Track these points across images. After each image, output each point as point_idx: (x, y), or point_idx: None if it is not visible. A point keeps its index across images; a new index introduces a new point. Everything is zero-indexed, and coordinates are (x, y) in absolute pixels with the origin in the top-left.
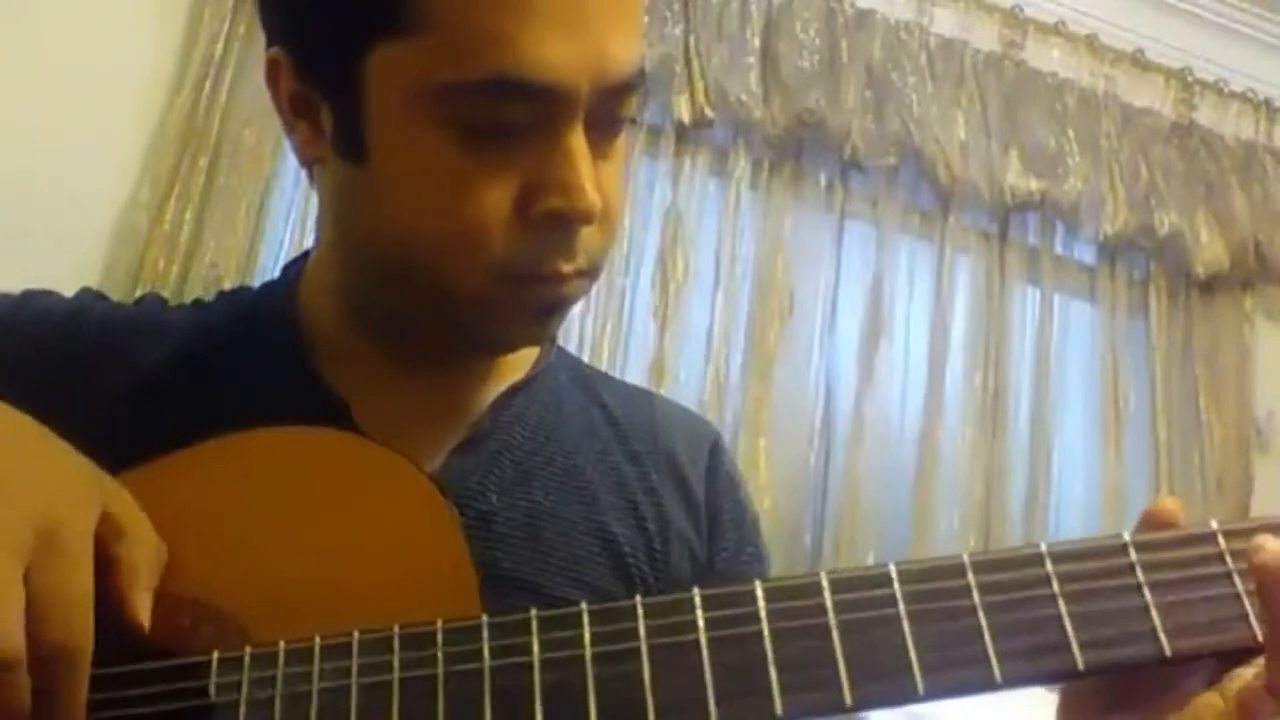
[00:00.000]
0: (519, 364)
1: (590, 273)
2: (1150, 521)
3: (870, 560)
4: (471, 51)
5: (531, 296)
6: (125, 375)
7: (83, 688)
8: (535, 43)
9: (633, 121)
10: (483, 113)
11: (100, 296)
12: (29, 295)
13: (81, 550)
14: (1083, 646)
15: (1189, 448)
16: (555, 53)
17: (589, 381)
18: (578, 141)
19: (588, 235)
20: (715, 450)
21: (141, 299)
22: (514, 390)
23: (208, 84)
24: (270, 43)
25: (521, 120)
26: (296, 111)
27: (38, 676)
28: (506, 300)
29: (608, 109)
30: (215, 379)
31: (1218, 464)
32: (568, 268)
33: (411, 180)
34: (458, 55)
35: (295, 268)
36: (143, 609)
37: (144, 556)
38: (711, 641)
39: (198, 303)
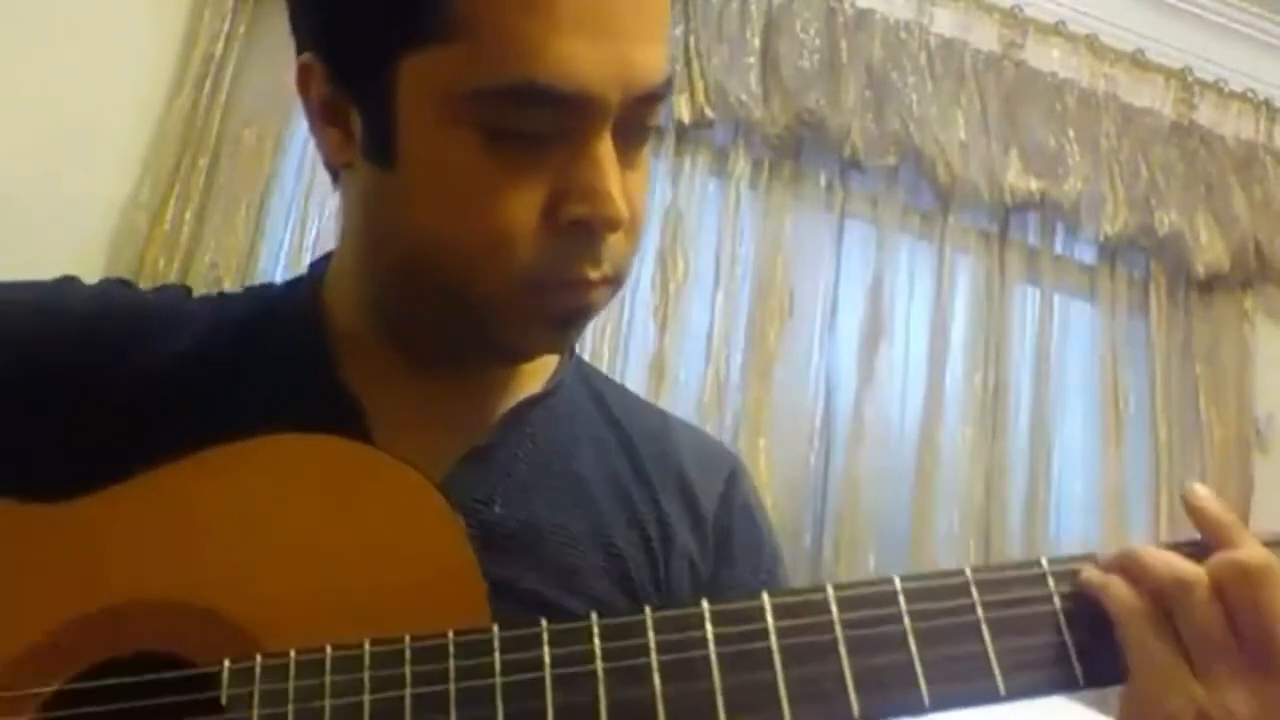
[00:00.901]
0: (536, 375)
1: (615, 281)
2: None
3: (870, 560)
4: (502, 58)
5: (557, 303)
6: (149, 364)
7: None
8: (565, 50)
9: (657, 130)
10: (512, 119)
11: (124, 283)
12: (56, 284)
13: None
14: (1083, 660)
15: (1189, 448)
16: (585, 60)
17: (605, 398)
18: (606, 149)
19: (613, 243)
20: (733, 477)
21: (162, 288)
22: (529, 403)
23: (208, 84)
24: (301, 49)
25: (550, 127)
26: (327, 117)
27: None
28: (532, 306)
29: (635, 117)
30: (235, 373)
31: (1218, 464)
32: (594, 275)
33: (440, 185)
34: (488, 62)
35: (320, 267)
36: None
37: None
38: (721, 659)
39: (222, 295)
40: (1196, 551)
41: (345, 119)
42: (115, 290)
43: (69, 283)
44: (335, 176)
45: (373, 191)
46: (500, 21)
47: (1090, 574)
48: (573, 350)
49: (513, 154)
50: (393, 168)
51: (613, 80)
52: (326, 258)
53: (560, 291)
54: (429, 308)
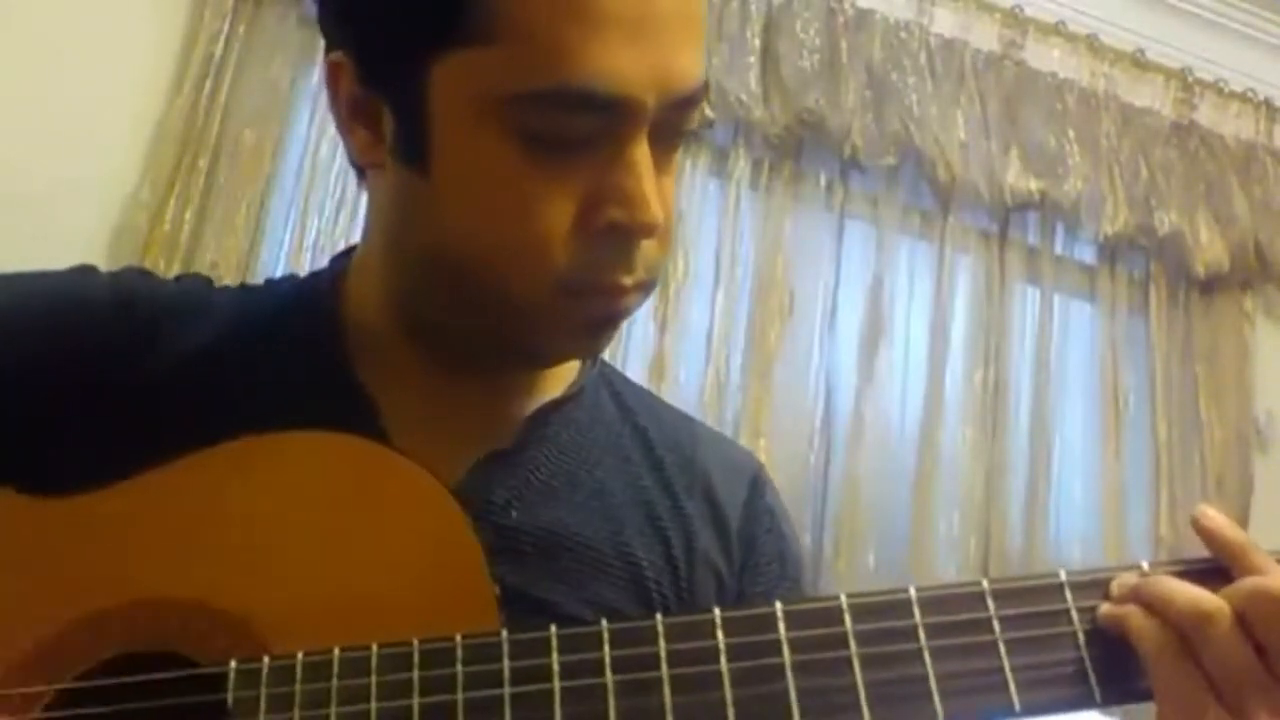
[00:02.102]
0: (557, 379)
1: (647, 286)
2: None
3: (870, 560)
4: (540, 62)
5: (590, 308)
6: (168, 357)
7: None
8: (603, 55)
9: (693, 134)
10: (549, 123)
11: (144, 273)
12: (75, 275)
13: None
14: (1101, 678)
15: (1189, 448)
16: (623, 65)
17: (628, 402)
18: (642, 154)
19: (646, 248)
20: (756, 483)
21: (184, 278)
22: (551, 407)
23: (208, 84)
24: (331, 47)
25: (587, 131)
26: (356, 116)
27: None
28: (565, 311)
29: (671, 122)
30: (253, 368)
31: (1218, 464)
32: (627, 280)
33: (475, 188)
34: (526, 65)
35: (341, 263)
36: None
37: None
38: (733, 671)
39: (245, 286)
40: (1209, 571)
41: (375, 119)
42: (135, 280)
43: (87, 273)
44: (361, 175)
45: (404, 192)
46: (540, 25)
47: (1108, 609)
48: (596, 355)
49: (549, 158)
50: (425, 169)
51: (651, 85)
52: (348, 253)
53: (594, 297)
54: (459, 310)
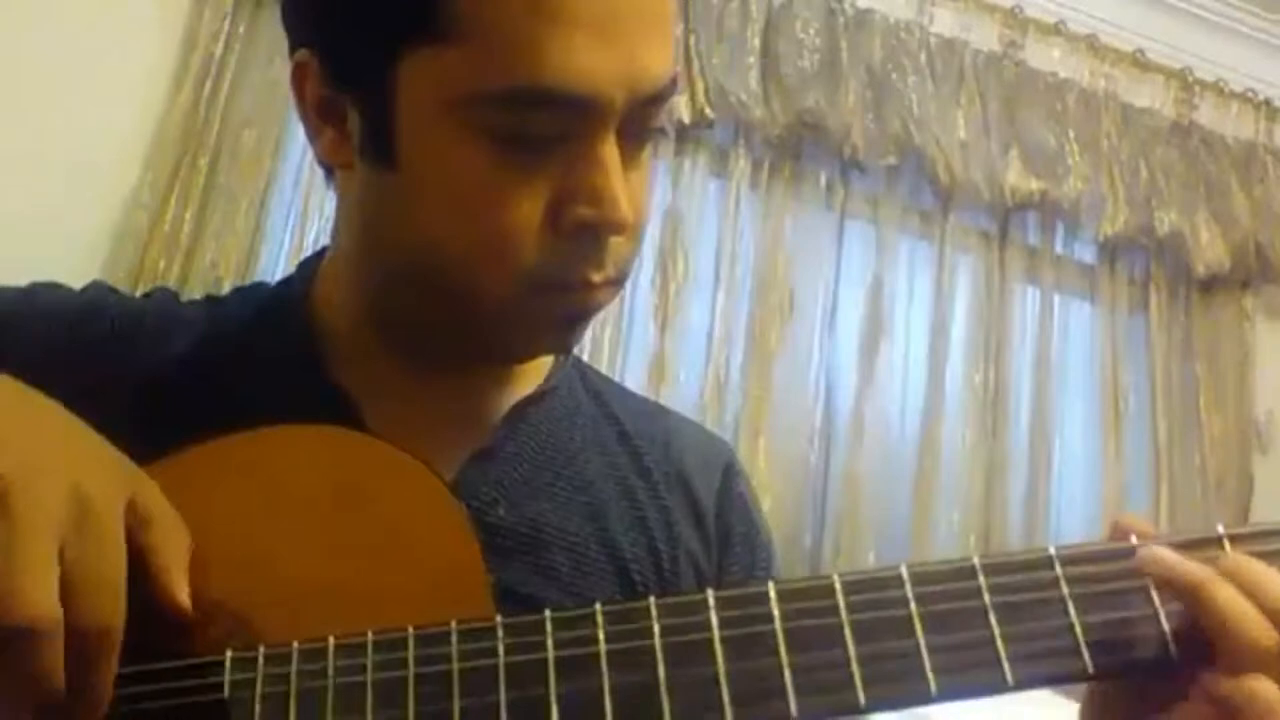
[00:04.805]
0: (533, 374)
1: (618, 281)
2: (1117, 535)
3: (871, 560)
4: (507, 61)
5: (560, 305)
6: (139, 373)
7: (111, 671)
8: (571, 53)
9: (662, 130)
10: (517, 121)
11: (112, 290)
12: (38, 288)
13: (113, 530)
14: (1092, 650)
15: (1189, 448)
16: (591, 63)
17: (603, 395)
18: (610, 152)
19: (616, 244)
20: (729, 471)
21: (152, 293)
22: (528, 402)
23: (208, 84)
24: (295, 46)
25: (555, 130)
26: (323, 116)
27: (68, 655)
28: (536, 309)
29: (640, 118)
30: (227, 378)
31: (1218, 464)
32: (597, 277)
33: (443, 188)
34: (493, 64)
35: (310, 266)
36: (182, 592)
37: (175, 544)
38: (726, 644)
39: (210, 298)
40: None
41: (342, 119)
42: (103, 296)
43: (52, 289)
44: (329, 174)
45: (372, 193)
46: (506, 23)
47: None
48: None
49: (516, 156)
50: (393, 169)
51: (619, 82)
52: (317, 256)
53: (564, 294)
54: (432, 308)
